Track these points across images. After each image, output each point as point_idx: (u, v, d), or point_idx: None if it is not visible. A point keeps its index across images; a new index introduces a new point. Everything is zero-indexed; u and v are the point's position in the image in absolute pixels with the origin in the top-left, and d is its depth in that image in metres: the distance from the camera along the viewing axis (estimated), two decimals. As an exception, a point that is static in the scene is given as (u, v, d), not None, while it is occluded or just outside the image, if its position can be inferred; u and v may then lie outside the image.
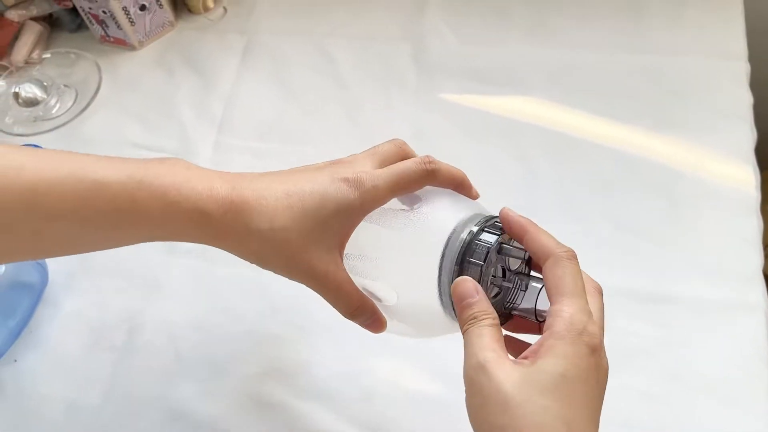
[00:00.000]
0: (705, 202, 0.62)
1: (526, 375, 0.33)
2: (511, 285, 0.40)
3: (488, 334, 0.35)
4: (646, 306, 0.57)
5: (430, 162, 0.41)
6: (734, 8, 0.74)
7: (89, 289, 0.64)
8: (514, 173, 0.66)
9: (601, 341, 0.35)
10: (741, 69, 0.70)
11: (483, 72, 0.74)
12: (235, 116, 0.75)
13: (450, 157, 0.67)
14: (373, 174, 0.40)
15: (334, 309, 0.59)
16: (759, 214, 0.61)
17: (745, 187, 0.63)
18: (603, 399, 0.35)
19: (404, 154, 0.44)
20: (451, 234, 0.39)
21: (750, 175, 0.63)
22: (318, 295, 0.60)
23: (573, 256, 0.37)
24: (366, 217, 0.41)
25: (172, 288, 0.63)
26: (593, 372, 0.33)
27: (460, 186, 0.43)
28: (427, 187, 0.43)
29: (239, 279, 0.63)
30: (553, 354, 0.33)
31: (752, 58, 0.71)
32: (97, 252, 0.65)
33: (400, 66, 0.76)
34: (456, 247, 0.39)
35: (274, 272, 0.42)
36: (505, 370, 0.33)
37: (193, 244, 0.65)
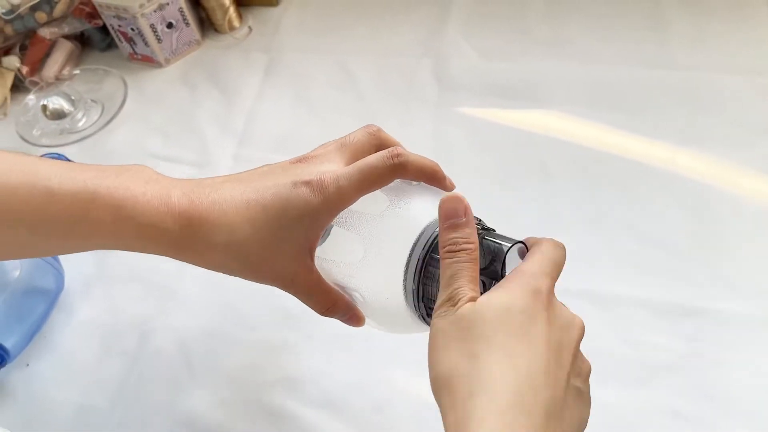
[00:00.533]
0: (733, 217, 0.60)
1: (472, 308, 0.33)
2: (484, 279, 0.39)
3: (464, 275, 0.34)
4: (672, 319, 0.55)
5: (397, 155, 0.39)
6: (761, 23, 0.72)
7: (104, 297, 0.64)
8: (534, 187, 0.65)
9: (548, 288, 0.34)
10: (767, 85, 0.68)
11: (503, 87, 0.74)
12: (255, 130, 0.76)
13: (470, 170, 0.67)
14: (337, 174, 0.38)
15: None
16: (789, 229, 0.59)
17: (774, 202, 0.61)
18: (561, 345, 0.34)
19: (379, 143, 0.42)
20: (418, 237, 0.38)
21: (778, 191, 0.61)
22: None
23: (558, 244, 0.37)
24: (335, 220, 0.40)
25: (185, 296, 0.63)
26: (541, 312, 0.33)
27: (432, 178, 0.41)
28: (399, 182, 0.41)
29: (252, 288, 0.61)
30: (498, 289, 0.34)
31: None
32: (113, 260, 0.66)
33: (420, 81, 0.76)
34: (422, 250, 0.38)
35: (244, 279, 0.41)
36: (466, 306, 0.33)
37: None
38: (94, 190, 0.37)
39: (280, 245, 0.39)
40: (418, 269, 0.38)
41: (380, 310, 0.42)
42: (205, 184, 0.40)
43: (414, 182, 0.42)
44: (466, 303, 0.33)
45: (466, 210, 0.35)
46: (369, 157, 0.40)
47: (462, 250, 0.35)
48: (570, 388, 0.34)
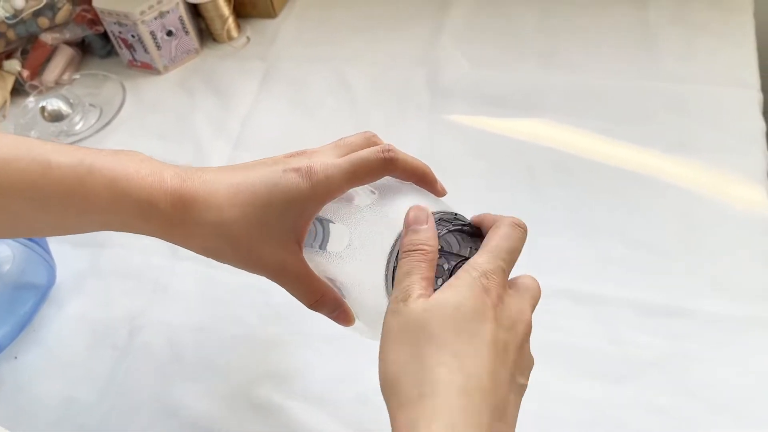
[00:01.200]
0: (719, 223, 0.61)
1: (422, 306, 0.33)
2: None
3: (416, 273, 0.35)
4: (657, 319, 0.55)
5: (388, 150, 0.39)
6: (746, 38, 0.74)
7: (95, 291, 0.65)
8: (524, 192, 0.66)
9: (499, 283, 0.35)
10: (754, 97, 0.70)
11: (496, 96, 0.75)
12: (251, 134, 0.77)
13: (461, 176, 0.68)
14: (327, 164, 0.39)
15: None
16: (774, 234, 0.60)
17: (759, 208, 0.61)
18: (507, 344, 0.34)
19: (373, 140, 0.43)
20: (401, 233, 0.38)
21: (764, 197, 0.62)
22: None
23: (516, 223, 0.37)
24: (326, 213, 0.41)
25: (175, 291, 0.63)
26: (488, 311, 0.33)
27: (422, 179, 0.41)
28: (390, 182, 0.41)
29: (242, 285, 0.62)
30: (448, 288, 0.34)
31: (765, 89, 0.71)
32: (105, 255, 0.67)
33: (414, 89, 0.78)
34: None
35: (232, 265, 0.41)
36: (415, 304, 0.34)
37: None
38: (90, 164, 0.38)
39: (269, 230, 0.39)
40: (394, 268, 0.38)
41: (362, 303, 0.42)
42: (197, 169, 0.41)
43: (406, 183, 0.42)
44: (417, 300, 0.34)
45: (429, 218, 0.37)
46: (361, 150, 0.40)
47: (418, 250, 0.35)
48: (513, 386, 0.34)
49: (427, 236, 0.36)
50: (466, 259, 0.37)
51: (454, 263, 0.38)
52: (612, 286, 0.58)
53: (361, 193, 0.42)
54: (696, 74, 0.73)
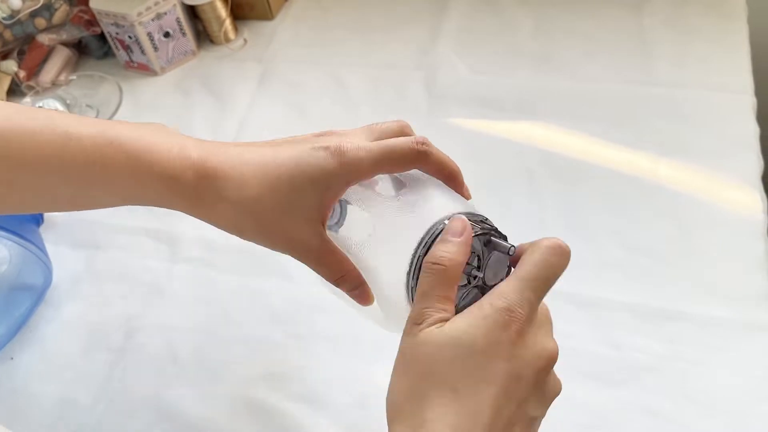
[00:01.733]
0: (714, 226, 0.62)
1: (435, 338, 0.32)
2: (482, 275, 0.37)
3: (434, 294, 0.33)
4: (653, 323, 0.56)
5: (422, 143, 0.38)
6: (740, 43, 0.75)
7: (91, 293, 0.65)
8: (521, 196, 0.67)
9: (524, 323, 0.32)
10: (747, 102, 0.71)
11: (492, 99, 0.75)
12: (247, 136, 0.77)
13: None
14: (358, 145, 0.38)
15: (333, 317, 0.59)
16: (767, 237, 0.60)
17: (753, 212, 0.62)
18: (519, 378, 0.32)
19: (407, 130, 0.42)
20: (429, 230, 0.36)
21: (758, 201, 0.63)
22: (319, 305, 0.60)
23: (556, 247, 0.34)
24: (349, 196, 0.40)
25: (172, 293, 0.63)
26: (504, 350, 0.32)
27: (451, 178, 0.40)
28: (418, 174, 0.40)
29: (240, 287, 0.63)
30: (464, 318, 0.33)
31: (759, 94, 0.71)
32: (102, 257, 0.67)
33: (411, 93, 0.78)
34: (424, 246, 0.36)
35: (256, 243, 0.40)
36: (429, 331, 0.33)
37: (195, 250, 0.66)
38: (113, 137, 0.37)
39: (293, 207, 0.38)
40: (418, 266, 0.37)
41: (380, 293, 0.41)
42: (222, 144, 0.40)
43: (432, 178, 0.41)
44: (431, 328, 0.33)
45: (466, 231, 0.35)
46: (395, 138, 0.39)
47: (441, 264, 0.34)
48: (519, 417, 0.33)
49: (455, 250, 0.34)
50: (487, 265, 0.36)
51: (480, 276, 0.37)
52: (608, 288, 0.58)
53: (387, 181, 0.41)
54: (690, 79, 0.74)
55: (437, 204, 0.38)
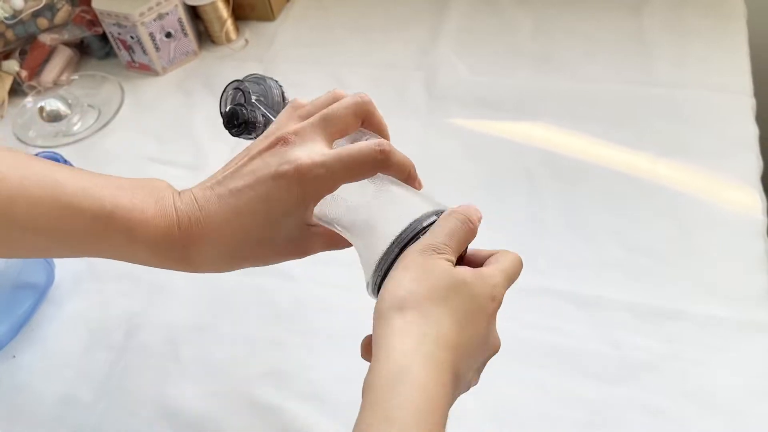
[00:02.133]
0: (713, 226, 0.62)
1: (451, 268, 0.36)
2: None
3: (457, 240, 0.37)
4: (653, 322, 0.56)
5: (381, 151, 0.38)
6: (739, 44, 0.75)
7: (93, 292, 0.65)
8: (521, 196, 0.67)
9: (500, 301, 0.37)
10: (746, 103, 0.71)
11: (492, 99, 0.76)
12: (249, 136, 0.77)
13: (458, 178, 0.69)
14: (316, 162, 0.38)
15: (335, 315, 0.59)
16: (767, 237, 0.61)
17: (752, 212, 0.62)
18: (485, 343, 0.37)
19: (365, 116, 0.42)
20: (400, 234, 0.38)
21: (757, 201, 0.63)
22: (321, 304, 0.60)
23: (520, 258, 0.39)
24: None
25: (174, 291, 0.64)
26: (487, 315, 0.36)
27: (409, 177, 0.41)
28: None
29: (243, 285, 0.63)
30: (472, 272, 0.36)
31: (758, 95, 0.72)
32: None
33: (412, 93, 0.78)
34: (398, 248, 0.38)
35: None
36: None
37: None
38: (111, 211, 0.39)
39: (275, 238, 0.41)
40: (387, 266, 0.38)
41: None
42: (201, 203, 0.40)
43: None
44: (447, 262, 0.36)
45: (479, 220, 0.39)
46: (354, 146, 0.39)
47: (474, 224, 0.38)
48: (478, 366, 0.38)
49: (475, 228, 0.38)
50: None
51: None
52: (608, 288, 0.59)
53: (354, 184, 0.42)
54: (690, 79, 0.74)
55: (410, 204, 0.40)
